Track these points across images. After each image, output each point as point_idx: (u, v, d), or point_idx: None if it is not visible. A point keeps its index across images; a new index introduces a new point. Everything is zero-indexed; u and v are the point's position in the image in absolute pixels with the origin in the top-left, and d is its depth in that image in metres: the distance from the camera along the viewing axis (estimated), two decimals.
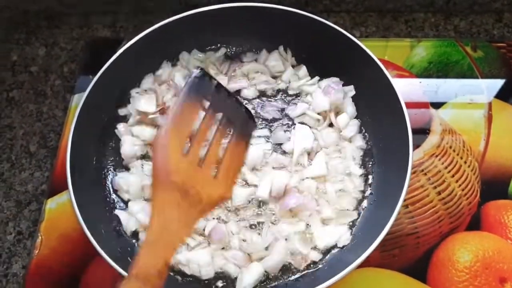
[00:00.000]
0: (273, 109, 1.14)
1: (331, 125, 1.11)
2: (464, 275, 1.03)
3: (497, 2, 1.39)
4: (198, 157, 0.72)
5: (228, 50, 1.22)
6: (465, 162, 1.15)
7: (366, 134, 1.11)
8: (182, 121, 0.72)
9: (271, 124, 1.12)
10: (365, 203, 1.04)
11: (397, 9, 1.42)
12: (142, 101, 1.10)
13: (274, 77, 1.18)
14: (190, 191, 0.69)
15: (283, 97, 1.16)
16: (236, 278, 0.96)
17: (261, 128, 1.11)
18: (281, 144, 1.09)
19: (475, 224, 1.09)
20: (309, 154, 1.07)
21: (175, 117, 0.72)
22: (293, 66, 1.18)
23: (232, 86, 1.15)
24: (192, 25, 1.13)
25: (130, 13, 1.45)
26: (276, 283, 0.96)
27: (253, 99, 1.15)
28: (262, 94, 1.16)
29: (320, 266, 0.97)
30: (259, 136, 1.10)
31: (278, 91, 1.17)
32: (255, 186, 1.03)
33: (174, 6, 1.42)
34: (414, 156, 0.95)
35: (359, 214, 1.03)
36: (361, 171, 1.06)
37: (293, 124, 1.11)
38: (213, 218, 1.00)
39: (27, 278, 1.05)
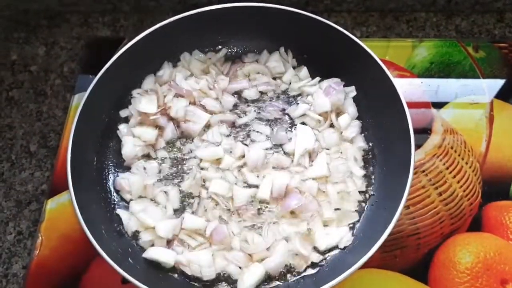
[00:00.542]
0: (274, 109, 1.13)
1: (332, 126, 1.10)
2: (465, 276, 1.03)
3: (499, 2, 1.39)
4: None
5: (229, 50, 1.21)
6: (467, 163, 1.15)
7: (367, 135, 1.10)
8: None
9: (272, 124, 1.12)
10: (366, 204, 1.03)
11: (399, 8, 1.42)
12: (143, 102, 1.09)
13: (275, 78, 1.18)
14: None
15: (284, 98, 1.16)
16: (237, 279, 0.96)
17: (263, 127, 1.12)
18: (282, 144, 1.08)
19: (476, 225, 1.09)
20: (310, 155, 1.06)
21: None
22: (294, 68, 1.18)
23: (233, 87, 1.15)
24: (192, 25, 1.12)
25: (130, 12, 1.45)
26: (277, 284, 0.96)
27: (255, 100, 1.15)
28: (263, 95, 1.16)
29: (321, 267, 0.97)
30: (260, 134, 1.10)
31: (279, 92, 1.16)
32: (256, 187, 1.02)
33: (174, 6, 1.41)
34: (415, 156, 0.94)
35: (360, 215, 1.02)
36: (362, 172, 1.06)
37: (294, 124, 1.11)
38: (214, 219, 1.00)
39: (28, 279, 1.05)
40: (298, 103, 1.14)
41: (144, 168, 1.06)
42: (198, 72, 1.17)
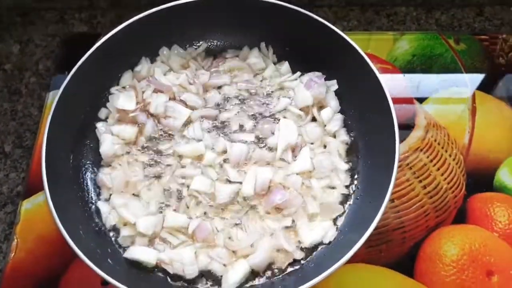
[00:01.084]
0: (256, 103, 1.11)
1: (314, 120, 1.09)
2: (451, 269, 1.02)
3: None
4: None
5: (210, 44, 1.19)
6: (450, 155, 1.15)
7: (351, 128, 1.09)
8: None
9: (255, 118, 1.10)
10: (351, 198, 1.02)
11: (379, 3, 1.41)
12: (121, 99, 1.07)
13: (256, 74, 1.16)
14: None
15: (265, 93, 1.14)
16: (221, 276, 0.94)
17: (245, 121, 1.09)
18: (265, 138, 1.06)
19: (461, 217, 1.09)
20: (293, 150, 1.05)
21: None
22: (274, 63, 1.17)
23: (214, 82, 1.13)
24: (170, 19, 1.10)
25: (107, 8, 1.42)
26: (262, 281, 0.94)
27: (235, 97, 1.13)
28: (244, 91, 1.14)
29: (306, 263, 0.96)
30: (242, 129, 1.08)
31: (260, 88, 1.14)
32: (239, 183, 1.00)
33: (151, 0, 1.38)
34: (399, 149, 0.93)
35: (345, 210, 1.01)
36: (346, 166, 1.05)
37: (277, 119, 1.09)
38: (197, 217, 0.98)
39: (2, 283, 1.01)
40: (279, 98, 1.12)
41: (128, 163, 1.04)
42: (177, 67, 1.15)
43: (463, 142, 1.17)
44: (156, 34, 1.12)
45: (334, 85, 1.11)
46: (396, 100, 1.18)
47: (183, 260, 0.93)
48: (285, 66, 1.15)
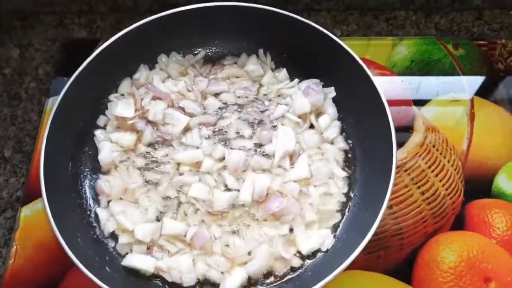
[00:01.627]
0: (254, 110, 1.12)
1: (312, 127, 1.09)
2: (449, 276, 1.02)
3: (477, 0, 1.39)
4: None
5: (208, 51, 1.19)
6: (449, 161, 1.15)
7: (349, 135, 1.09)
8: None
9: (253, 126, 1.10)
10: (349, 206, 1.02)
11: (378, 7, 1.41)
12: (120, 106, 1.07)
13: (255, 81, 1.16)
14: None
15: (263, 100, 1.14)
16: (219, 285, 0.94)
17: (244, 128, 1.10)
18: (263, 145, 1.07)
19: (459, 223, 1.09)
20: (291, 157, 1.05)
21: None
22: (272, 70, 1.17)
23: (212, 89, 1.13)
24: (169, 26, 1.10)
25: (107, 13, 1.42)
26: None
27: (233, 104, 1.13)
28: (242, 98, 1.14)
29: (303, 271, 0.96)
30: (241, 135, 1.08)
31: (258, 95, 1.14)
32: (237, 190, 1.00)
33: (152, 5, 1.39)
34: (397, 155, 0.93)
35: (342, 217, 1.01)
36: (344, 173, 1.05)
37: (275, 126, 1.09)
38: (195, 224, 0.98)
39: None
40: (277, 105, 1.12)
41: (127, 170, 1.04)
42: (176, 74, 1.15)
43: (461, 148, 1.17)
44: (155, 41, 1.12)
45: (332, 92, 1.11)
46: (395, 104, 1.20)
47: (181, 268, 0.93)
48: (283, 73, 1.15)
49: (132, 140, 1.06)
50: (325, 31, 1.05)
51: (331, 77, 1.10)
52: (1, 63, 1.35)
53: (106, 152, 1.04)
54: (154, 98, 1.09)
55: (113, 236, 0.99)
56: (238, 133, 1.09)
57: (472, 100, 1.24)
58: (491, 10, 1.42)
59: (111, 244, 0.98)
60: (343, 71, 1.06)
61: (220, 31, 1.15)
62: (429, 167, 1.14)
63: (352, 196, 1.03)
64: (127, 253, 0.97)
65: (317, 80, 1.11)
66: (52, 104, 1.19)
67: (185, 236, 0.96)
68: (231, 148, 1.06)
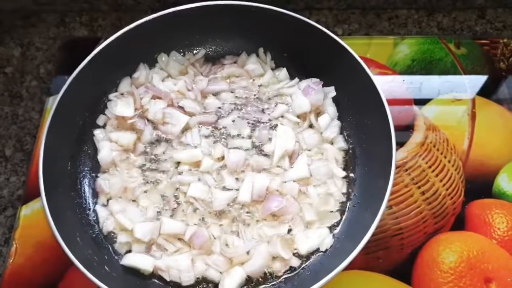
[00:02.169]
0: (254, 109, 1.11)
1: (311, 126, 1.09)
2: (449, 276, 1.02)
3: None
4: None
5: (208, 50, 1.19)
6: (449, 161, 1.14)
7: (348, 135, 1.09)
8: None
9: (252, 125, 1.10)
10: (348, 206, 1.02)
11: (380, 6, 1.41)
12: (119, 105, 1.07)
13: (255, 80, 1.16)
14: None
15: (263, 99, 1.13)
16: (218, 284, 0.94)
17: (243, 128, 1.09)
18: (262, 145, 1.06)
19: (459, 224, 1.08)
20: (290, 156, 1.04)
21: None
22: (272, 69, 1.16)
23: (212, 88, 1.13)
24: (169, 25, 1.09)
25: (108, 12, 1.42)
26: None
27: (233, 103, 1.12)
28: (241, 98, 1.14)
29: (302, 271, 0.96)
30: (240, 135, 1.08)
31: (258, 94, 1.14)
32: (236, 189, 1.00)
33: (153, 4, 1.39)
34: (397, 155, 0.93)
35: (342, 217, 1.01)
36: (344, 173, 1.05)
37: (275, 125, 1.09)
38: (194, 224, 0.98)
39: None
40: (276, 104, 1.12)
41: (126, 169, 1.04)
42: (176, 74, 1.15)
43: (462, 147, 1.16)
44: (155, 40, 1.12)
45: (332, 91, 1.10)
46: (396, 103, 1.20)
47: (180, 267, 0.93)
48: (283, 72, 1.15)
49: (131, 139, 1.06)
50: (324, 30, 1.05)
51: (331, 76, 1.10)
52: (3, 62, 1.36)
53: (106, 152, 1.04)
54: (154, 97, 1.09)
55: (112, 235, 0.99)
56: (237, 132, 1.08)
57: (473, 100, 1.23)
58: (493, 9, 1.41)
59: (110, 243, 0.98)
60: (344, 70, 1.06)
61: (220, 30, 1.15)
62: (430, 167, 1.13)
63: (351, 196, 1.03)
64: (126, 252, 0.97)
65: (317, 80, 1.11)
66: (53, 103, 1.19)
67: (184, 235, 0.96)
68: (230, 148, 1.06)
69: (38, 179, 0.91)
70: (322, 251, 0.97)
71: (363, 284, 1.03)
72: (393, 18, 1.40)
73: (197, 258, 0.95)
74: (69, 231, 0.90)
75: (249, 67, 1.15)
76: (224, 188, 1.01)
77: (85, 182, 1.04)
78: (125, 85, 1.12)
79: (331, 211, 1.01)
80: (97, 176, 1.04)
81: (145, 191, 1.02)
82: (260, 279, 0.95)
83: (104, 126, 1.09)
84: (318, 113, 1.10)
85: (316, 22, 1.06)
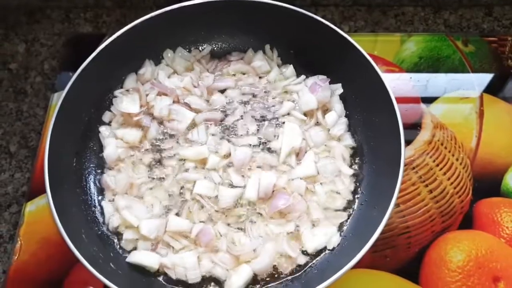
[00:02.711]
0: (260, 106, 1.10)
1: (318, 124, 1.08)
2: (457, 275, 1.01)
3: None
4: None
5: (215, 47, 1.18)
6: (457, 159, 1.13)
7: (355, 132, 1.08)
8: None
9: (259, 122, 1.09)
10: (356, 204, 1.01)
11: (386, 3, 1.40)
12: (125, 102, 1.06)
13: (261, 77, 1.15)
14: None
15: (269, 96, 1.12)
16: (224, 281, 0.93)
17: (249, 125, 1.08)
18: (268, 142, 1.06)
19: (467, 222, 1.07)
20: (297, 154, 1.04)
21: None
22: (279, 66, 1.16)
23: (218, 85, 1.12)
24: (174, 21, 1.09)
25: (113, 8, 1.41)
26: (265, 286, 0.94)
27: (239, 100, 1.12)
28: (248, 95, 1.13)
29: (309, 269, 0.95)
30: (247, 132, 1.07)
31: (264, 91, 1.13)
32: (243, 187, 0.99)
33: (157, 0, 1.38)
34: (405, 153, 0.92)
35: (349, 215, 1.00)
36: (351, 170, 1.04)
37: (281, 122, 1.08)
38: (200, 221, 0.97)
39: (7, 286, 1.01)
40: (283, 101, 1.11)
41: (133, 165, 1.04)
42: (181, 70, 1.14)
43: (470, 145, 1.15)
44: (161, 36, 1.11)
45: (339, 88, 1.09)
46: (403, 101, 1.19)
47: (186, 264, 0.92)
48: (290, 69, 1.14)
49: (137, 136, 1.05)
50: (333, 26, 1.04)
51: (339, 73, 1.09)
52: (7, 58, 1.35)
53: (111, 149, 1.03)
54: (160, 93, 1.09)
55: (118, 232, 0.98)
56: (244, 129, 1.07)
57: (481, 97, 1.22)
58: (500, 6, 1.40)
59: (115, 240, 0.98)
60: (351, 67, 1.05)
61: (226, 26, 1.14)
62: (437, 165, 1.13)
63: (359, 194, 1.02)
64: (131, 250, 0.96)
65: (324, 77, 1.10)
66: (58, 99, 1.19)
67: (190, 233, 0.96)
68: (237, 145, 1.05)
69: (43, 175, 0.91)
70: (329, 250, 0.96)
71: (370, 283, 1.02)
72: (399, 15, 1.39)
73: (203, 256, 0.95)
74: (75, 228, 0.89)
75: (255, 64, 1.14)
76: (230, 186, 1.01)
77: (91, 179, 1.03)
78: (130, 81, 1.12)
79: (338, 209, 1.00)
80: (102, 173, 1.04)
81: (151, 188, 1.02)
82: (267, 278, 0.94)
83: (109, 123, 1.09)
84: (325, 111, 1.09)
85: (322, 18, 1.05)
